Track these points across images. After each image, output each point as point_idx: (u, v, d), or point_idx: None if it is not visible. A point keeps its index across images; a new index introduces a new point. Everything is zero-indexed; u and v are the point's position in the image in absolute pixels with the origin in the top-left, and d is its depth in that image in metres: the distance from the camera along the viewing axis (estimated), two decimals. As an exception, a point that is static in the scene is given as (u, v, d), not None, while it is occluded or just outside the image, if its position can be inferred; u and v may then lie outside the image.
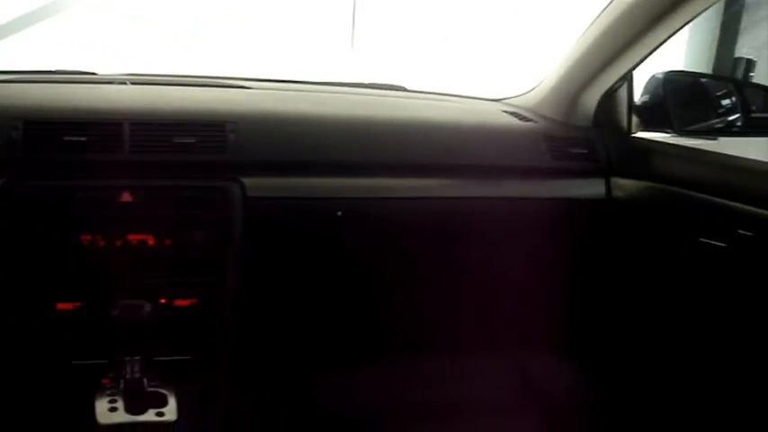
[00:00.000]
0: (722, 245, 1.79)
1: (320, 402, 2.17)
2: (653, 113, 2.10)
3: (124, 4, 3.84)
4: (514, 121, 2.15)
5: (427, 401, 2.21)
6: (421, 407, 2.20)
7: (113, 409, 1.63)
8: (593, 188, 2.08)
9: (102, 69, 2.18)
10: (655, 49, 1.96)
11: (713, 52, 3.95)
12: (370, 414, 2.17)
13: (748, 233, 1.73)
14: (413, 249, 1.95)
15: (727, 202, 1.80)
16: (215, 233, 1.76)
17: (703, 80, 2.31)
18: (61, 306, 1.70)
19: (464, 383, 2.23)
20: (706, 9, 1.87)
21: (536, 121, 2.16)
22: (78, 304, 1.70)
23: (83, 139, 1.70)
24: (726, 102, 2.12)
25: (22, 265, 1.67)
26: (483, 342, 2.20)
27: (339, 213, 1.83)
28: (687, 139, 2.10)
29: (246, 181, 1.78)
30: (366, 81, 2.38)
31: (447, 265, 2.01)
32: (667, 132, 2.09)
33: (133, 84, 2.04)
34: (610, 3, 1.94)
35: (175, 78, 2.15)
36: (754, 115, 2.11)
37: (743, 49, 3.93)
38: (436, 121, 2.07)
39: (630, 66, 2.02)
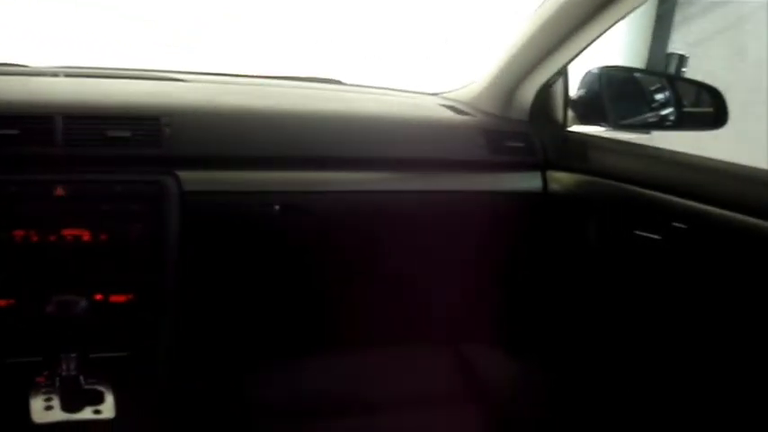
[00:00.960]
0: (657, 237, 1.82)
1: (259, 397, 2.16)
2: (588, 107, 2.13)
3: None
4: (451, 114, 2.16)
5: (367, 395, 2.21)
6: (361, 400, 2.20)
7: (49, 408, 1.62)
8: (529, 181, 2.10)
9: (36, 62, 2.14)
10: (590, 45, 1.98)
11: (647, 48, 4.02)
12: (309, 408, 2.17)
13: (683, 226, 1.76)
14: (351, 243, 1.95)
15: (661, 195, 1.83)
16: (151, 228, 1.73)
17: (638, 75, 2.35)
18: None
19: (404, 377, 2.24)
20: (640, 5, 1.90)
21: (473, 115, 2.18)
22: (11, 301, 1.67)
23: (14, 132, 1.66)
24: (659, 96, 2.16)
25: None
26: (422, 335, 2.21)
27: (276, 207, 1.82)
28: (622, 132, 2.14)
29: (182, 175, 1.76)
30: (303, 75, 2.37)
31: (385, 258, 2.01)
32: (602, 126, 2.12)
33: (66, 76, 2.01)
34: (546, -2, 1.96)
35: (110, 71, 2.11)
36: (686, 110, 2.15)
37: (676, 45, 4.00)
38: (373, 114, 2.08)
39: (566, 60, 2.04)
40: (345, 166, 1.93)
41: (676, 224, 1.78)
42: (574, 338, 2.17)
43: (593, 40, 1.97)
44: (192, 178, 1.77)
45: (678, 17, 4.05)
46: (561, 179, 2.09)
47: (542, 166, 2.12)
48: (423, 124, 2.10)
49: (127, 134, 1.72)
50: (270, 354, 2.12)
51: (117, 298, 1.73)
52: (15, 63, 2.09)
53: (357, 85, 2.39)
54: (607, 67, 2.13)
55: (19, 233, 1.65)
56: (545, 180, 2.10)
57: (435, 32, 4.13)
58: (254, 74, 2.37)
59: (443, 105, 2.23)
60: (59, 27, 3.59)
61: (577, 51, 2.01)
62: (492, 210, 2.05)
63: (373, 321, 2.10)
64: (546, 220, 2.10)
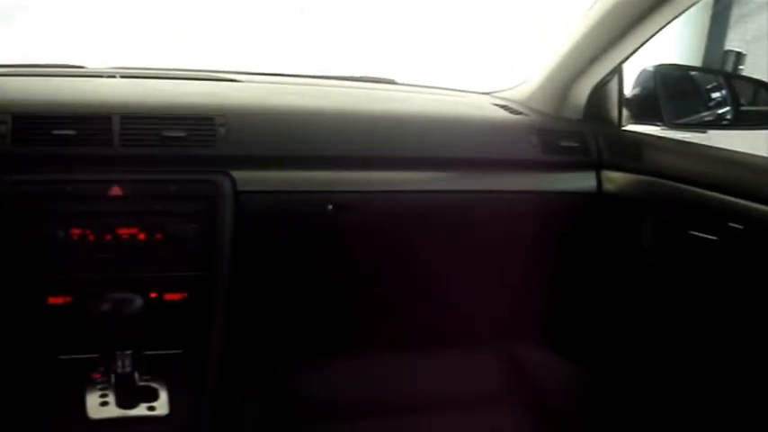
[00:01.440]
0: (713, 238, 1.80)
1: (312, 396, 2.17)
2: (643, 106, 2.10)
3: (124, 4, 3.82)
4: (504, 114, 2.15)
5: (417, 396, 2.21)
6: (410, 401, 2.20)
7: (104, 404, 1.65)
8: (583, 181, 2.08)
9: (92, 63, 2.17)
10: (645, 42, 1.96)
11: (703, 45, 3.96)
12: (361, 408, 2.17)
13: (739, 226, 1.74)
14: (403, 243, 1.95)
15: (718, 195, 1.80)
16: (205, 227, 1.74)
17: (693, 73, 2.32)
18: (52, 300, 1.68)
19: (454, 378, 2.23)
20: (696, 3, 1.87)
21: (526, 114, 2.16)
22: (68, 298, 1.69)
23: (72, 132, 1.68)
24: (716, 95, 2.13)
25: (12, 260, 1.66)
26: (473, 336, 2.21)
27: (329, 207, 1.83)
28: (677, 131, 2.11)
29: (236, 175, 1.77)
30: (357, 75, 2.37)
31: (437, 258, 2.00)
32: (658, 125, 2.09)
33: (123, 77, 2.04)
34: (601, -5, 1.94)
35: (165, 72, 2.14)
36: (743, 108, 2.11)
37: (733, 43, 3.94)
38: (426, 114, 2.08)
39: (621, 58, 2.03)
40: (399, 166, 1.93)
41: (733, 225, 1.75)
42: (626, 340, 2.15)
43: (649, 38, 1.95)
44: (245, 178, 1.77)
45: (735, 14, 3.99)
46: (616, 179, 2.07)
47: (597, 166, 2.09)
48: (476, 124, 2.09)
49: (182, 134, 1.74)
50: (322, 352, 2.12)
51: (171, 296, 1.75)
52: (72, 65, 2.12)
53: (411, 85, 2.38)
54: (662, 65, 2.10)
55: (76, 231, 1.66)
56: (599, 180, 2.08)
57: (480, 31, 4.11)
58: (308, 74, 2.38)
59: (496, 105, 2.22)
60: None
61: (632, 49, 1.99)
62: (546, 210, 2.03)
63: (425, 321, 2.11)
64: (600, 220, 2.08)
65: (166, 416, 1.67)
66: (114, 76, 2.04)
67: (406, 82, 2.39)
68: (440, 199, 1.96)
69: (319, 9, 3.97)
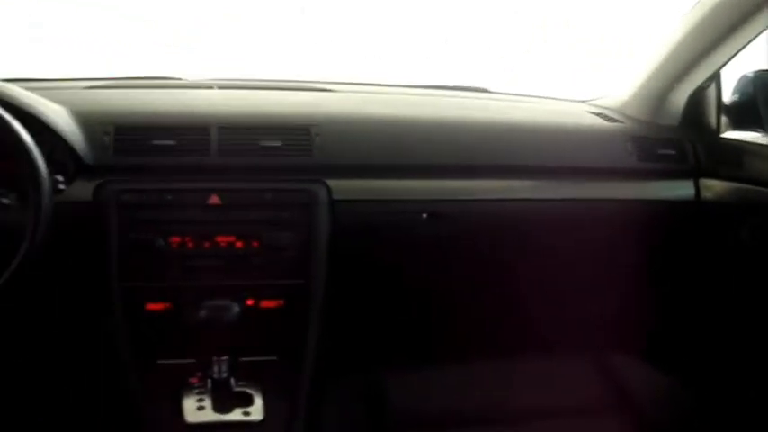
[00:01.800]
0: None
1: (403, 403, 2.17)
2: (743, 113, 2.05)
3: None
4: (600, 121, 2.12)
5: (509, 404, 2.19)
6: (502, 409, 2.19)
7: (201, 408, 1.68)
8: (681, 190, 2.04)
9: (189, 74, 2.22)
10: (744, 47, 1.91)
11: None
12: (452, 416, 2.17)
13: None
14: (497, 251, 1.94)
15: None
16: (301, 235, 1.76)
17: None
18: (151, 307, 1.73)
19: (549, 388, 2.21)
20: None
21: (622, 122, 2.13)
22: (168, 305, 1.73)
23: (171, 143, 1.74)
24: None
25: (113, 267, 1.70)
26: (567, 346, 2.18)
27: (424, 216, 1.83)
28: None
29: (332, 183, 1.79)
30: (451, 84, 2.37)
31: (531, 267, 1.99)
32: (758, 132, 2.03)
33: (220, 88, 2.08)
34: (698, 0, 1.90)
35: (261, 83, 2.18)
36: None
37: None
38: (521, 122, 2.06)
39: (719, 64, 1.98)
40: (494, 175, 1.92)
41: None
42: (723, 352, 2.10)
43: (748, 43, 1.90)
44: (341, 187, 1.79)
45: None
46: (714, 187, 2.02)
47: (695, 174, 2.05)
48: (571, 132, 2.07)
49: (278, 144, 1.77)
50: (414, 361, 2.13)
51: (267, 303, 1.77)
52: (171, 77, 2.17)
53: (505, 93, 2.37)
54: (762, 70, 2.04)
55: (175, 240, 1.71)
56: (698, 188, 2.04)
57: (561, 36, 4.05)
58: (402, 83, 2.39)
59: (592, 113, 2.19)
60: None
61: (731, 54, 1.94)
62: (642, 219, 2.00)
63: (517, 331, 2.09)
64: (698, 229, 2.03)
65: (261, 421, 1.69)
66: (212, 88, 2.08)
67: (499, 90, 2.38)
68: (535, 208, 1.94)
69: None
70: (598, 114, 2.17)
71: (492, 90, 2.37)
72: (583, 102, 2.36)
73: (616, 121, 2.14)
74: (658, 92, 2.10)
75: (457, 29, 3.88)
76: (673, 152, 2.05)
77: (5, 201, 1.49)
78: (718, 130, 2.10)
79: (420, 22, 3.92)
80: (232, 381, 1.73)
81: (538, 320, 2.08)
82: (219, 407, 1.69)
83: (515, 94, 2.39)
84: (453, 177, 1.89)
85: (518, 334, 2.09)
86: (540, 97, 2.37)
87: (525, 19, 3.94)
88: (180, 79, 2.18)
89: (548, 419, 2.16)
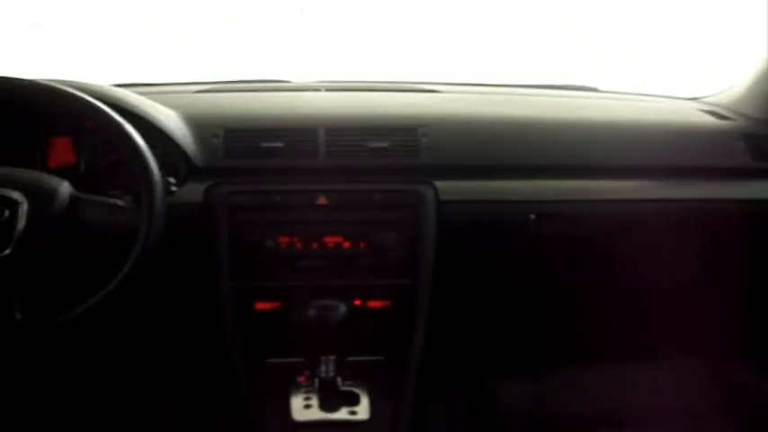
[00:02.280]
0: None
1: (510, 405, 2.15)
2: None
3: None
4: (711, 119, 2.07)
5: (612, 409, 2.16)
6: (605, 415, 2.15)
7: (308, 407, 1.68)
8: None
9: (296, 77, 2.24)
10: None
11: None
12: (557, 420, 2.14)
13: None
14: (606, 253, 1.91)
15: None
16: (408, 236, 1.76)
17: None
18: (260, 306, 1.76)
19: (658, 393, 2.16)
20: None
21: (734, 119, 2.07)
22: (276, 305, 1.76)
23: (280, 145, 1.76)
24: None
25: (223, 268, 1.73)
26: (677, 349, 2.13)
27: (532, 217, 1.82)
28: None
29: (439, 184, 1.78)
30: (558, 83, 2.35)
31: (640, 268, 1.95)
32: None
33: (327, 90, 2.09)
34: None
35: (367, 84, 2.20)
36: None
37: None
38: (630, 121, 2.02)
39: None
40: (603, 175, 1.89)
41: None
42: None
43: None
44: (448, 188, 1.79)
45: None
46: None
47: None
48: (682, 130, 2.02)
49: (385, 144, 1.78)
50: (518, 361, 2.11)
51: (375, 303, 1.78)
52: (279, 79, 2.20)
53: (614, 92, 2.33)
54: None
55: (284, 240, 1.73)
56: None
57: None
58: (509, 83, 2.37)
59: (703, 110, 2.13)
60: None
61: None
62: (755, 219, 1.94)
63: (625, 334, 2.05)
64: None
65: (367, 420, 1.68)
66: (319, 90, 2.10)
67: (608, 89, 2.34)
68: (645, 208, 1.90)
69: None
70: (709, 112, 2.12)
71: (601, 89, 2.33)
72: (693, 99, 2.31)
73: (728, 118, 2.09)
74: None
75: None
76: None
77: (120, 203, 1.52)
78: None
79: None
80: (339, 380, 1.73)
81: (646, 323, 2.04)
82: (326, 406, 1.69)
83: (624, 93, 2.35)
84: (562, 177, 1.87)
85: (625, 337, 2.05)
86: (648, 95, 2.33)
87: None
88: (287, 82, 2.21)
89: (656, 423, 2.12)
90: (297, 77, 2.25)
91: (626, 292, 1.98)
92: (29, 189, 1.43)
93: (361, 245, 1.75)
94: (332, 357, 1.75)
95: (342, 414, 1.68)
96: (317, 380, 1.74)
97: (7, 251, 1.38)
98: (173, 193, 1.62)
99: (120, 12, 3.85)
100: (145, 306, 1.80)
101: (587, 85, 2.34)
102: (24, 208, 1.41)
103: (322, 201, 1.74)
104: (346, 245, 1.75)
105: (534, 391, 2.16)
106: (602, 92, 2.32)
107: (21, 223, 1.39)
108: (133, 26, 3.82)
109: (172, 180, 1.64)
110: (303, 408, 1.68)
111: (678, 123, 2.06)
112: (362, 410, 1.69)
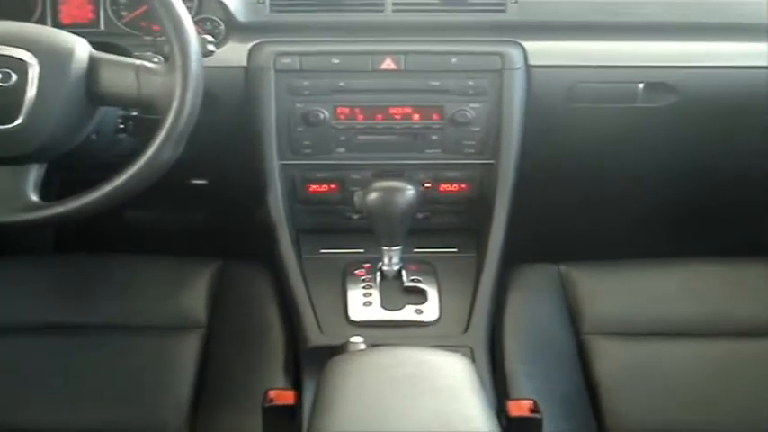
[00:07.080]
0: None
1: (591, 304, 1.98)
2: None
3: None
4: None
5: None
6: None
7: (368, 304, 1.55)
8: None
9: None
10: None
11: None
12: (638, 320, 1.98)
13: None
14: (729, 128, 1.71)
15: None
16: (491, 107, 1.61)
17: None
18: (314, 188, 1.66)
19: None
20: None
21: None
22: (333, 187, 1.66)
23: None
24: None
25: (272, 142, 1.62)
26: None
27: (640, 86, 1.63)
28: None
29: (528, 45, 1.61)
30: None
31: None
32: None
33: None
34: None
35: None
36: None
37: None
38: None
39: None
40: (725, 36, 1.66)
41: None
42: None
43: None
44: (540, 49, 1.62)
45: None
46: None
47: None
48: None
49: None
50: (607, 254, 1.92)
51: (448, 187, 1.66)
52: None
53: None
54: None
55: (343, 111, 1.61)
56: None
57: None
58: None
59: None
60: None
61: None
62: None
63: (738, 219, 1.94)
64: None
65: (435, 321, 1.53)
66: None
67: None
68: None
69: None
70: None
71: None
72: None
73: None
74: None
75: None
76: None
77: (148, 65, 1.32)
78: None
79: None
80: (404, 274, 1.59)
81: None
82: (388, 303, 1.54)
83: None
84: (677, 39, 1.66)
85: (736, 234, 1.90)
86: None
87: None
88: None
89: None
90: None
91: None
92: (40, 49, 1.26)
93: (434, 117, 1.61)
94: (396, 248, 1.59)
95: (406, 313, 1.53)
96: (378, 274, 1.60)
97: (18, 121, 1.22)
98: (211, 53, 1.43)
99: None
100: (182, 185, 1.73)
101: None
102: (36, 71, 1.23)
103: (388, 64, 1.59)
104: (416, 117, 1.61)
105: (617, 286, 1.94)
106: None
107: (32, 90, 1.23)
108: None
109: (209, 38, 1.44)
110: (362, 305, 1.55)
111: None
112: (430, 310, 1.55)
